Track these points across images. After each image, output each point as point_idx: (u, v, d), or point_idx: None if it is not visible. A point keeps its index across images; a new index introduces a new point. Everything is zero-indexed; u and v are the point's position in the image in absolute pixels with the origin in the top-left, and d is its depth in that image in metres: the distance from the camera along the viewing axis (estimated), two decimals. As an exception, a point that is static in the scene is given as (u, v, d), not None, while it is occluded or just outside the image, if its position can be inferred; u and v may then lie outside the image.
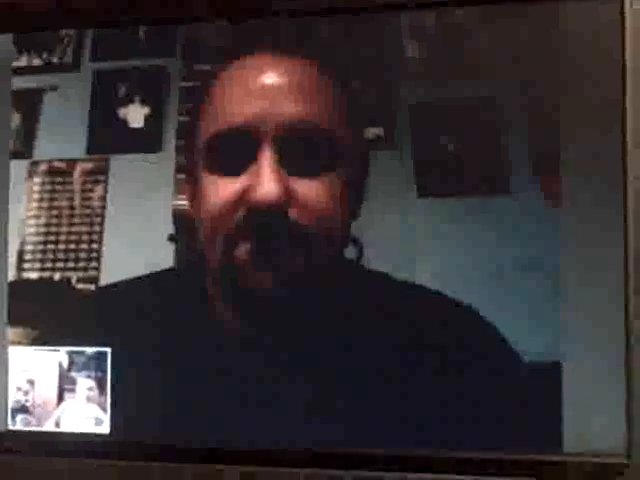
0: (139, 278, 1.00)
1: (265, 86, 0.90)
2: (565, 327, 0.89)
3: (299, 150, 0.89)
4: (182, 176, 0.99)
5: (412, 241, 0.94)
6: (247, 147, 0.89)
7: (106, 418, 1.01)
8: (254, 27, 0.97)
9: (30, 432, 1.02)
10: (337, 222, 0.92)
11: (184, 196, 0.98)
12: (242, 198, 0.90)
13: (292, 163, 0.89)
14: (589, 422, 0.89)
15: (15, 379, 1.03)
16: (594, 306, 0.89)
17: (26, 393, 1.03)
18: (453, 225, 0.93)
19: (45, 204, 1.04)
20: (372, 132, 0.95)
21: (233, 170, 0.90)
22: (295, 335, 0.94)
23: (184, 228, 0.99)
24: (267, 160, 0.88)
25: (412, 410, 0.92)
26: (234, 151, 0.90)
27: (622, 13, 0.88)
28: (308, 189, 0.89)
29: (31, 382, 1.03)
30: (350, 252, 0.94)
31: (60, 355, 1.02)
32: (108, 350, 1.00)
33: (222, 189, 0.91)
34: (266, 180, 0.87)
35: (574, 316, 0.89)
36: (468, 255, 0.92)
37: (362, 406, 0.93)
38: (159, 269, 0.99)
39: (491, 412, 0.90)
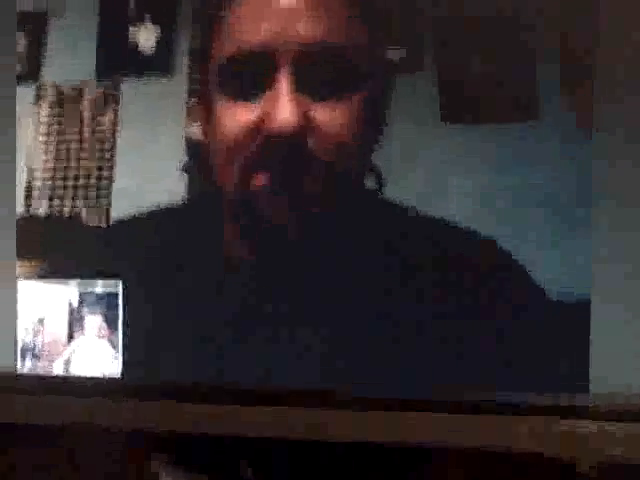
0: (151, 212, 0.95)
1: (281, 6, 0.85)
2: (596, 260, 0.83)
3: (318, 73, 0.84)
4: (195, 101, 0.93)
5: (434, 170, 0.88)
6: (264, 70, 0.84)
7: (118, 357, 0.97)
8: None
9: (40, 376, 0.98)
10: (357, 149, 0.87)
11: (197, 123, 0.93)
12: (259, 125, 0.85)
13: (310, 87, 0.84)
14: (618, 362, 0.83)
15: (24, 316, 0.99)
16: (627, 237, 0.83)
17: (35, 332, 0.99)
18: (478, 153, 0.87)
19: (53, 131, 0.98)
20: (394, 53, 0.89)
21: (249, 95, 0.85)
22: (311, 269, 0.89)
23: (198, 157, 0.93)
24: (285, 85, 0.83)
25: (433, 348, 0.87)
26: (250, 75, 0.85)
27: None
28: (327, 115, 0.84)
29: (40, 320, 0.99)
30: (370, 181, 0.88)
31: (70, 290, 0.97)
32: (120, 286, 0.96)
33: (238, 114, 0.86)
34: (284, 106, 0.83)
35: (605, 249, 0.83)
36: (494, 186, 0.86)
37: (381, 343, 0.88)
38: (171, 200, 0.94)
39: (516, 350, 0.85)
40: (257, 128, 0.85)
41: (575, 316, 0.84)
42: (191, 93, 0.93)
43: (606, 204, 0.83)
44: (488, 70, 0.87)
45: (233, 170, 0.86)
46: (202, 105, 0.92)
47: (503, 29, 0.87)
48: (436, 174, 0.88)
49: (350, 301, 0.89)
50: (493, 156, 0.87)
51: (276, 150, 0.84)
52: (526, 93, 0.86)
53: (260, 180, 0.85)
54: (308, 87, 0.84)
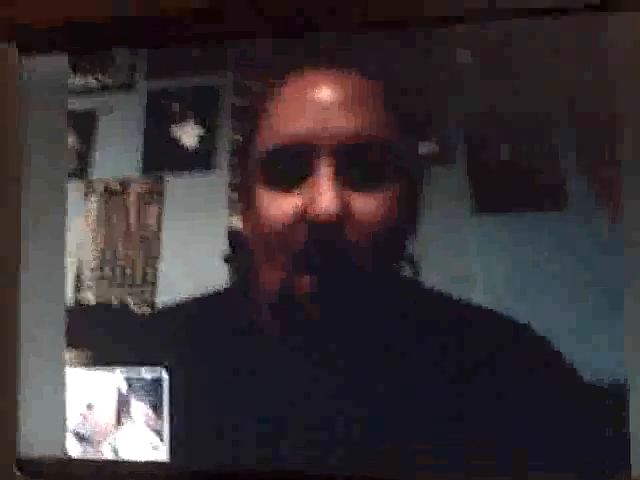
0: (194, 300, 0.98)
1: (319, 101, 0.89)
2: (629, 346, 0.85)
3: (355, 164, 0.88)
4: (235, 194, 0.97)
5: (468, 259, 0.90)
6: (303, 162, 0.88)
7: (164, 444, 0.99)
8: (304, 43, 0.96)
9: (89, 461, 1.01)
10: (392, 239, 0.90)
11: (239, 215, 0.96)
12: (301, 213, 0.88)
13: (348, 177, 0.88)
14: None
15: (73, 403, 1.02)
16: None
17: (84, 418, 1.02)
18: (510, 242, 0.89)
19: (101, 225, 1.03)
20: (426, 147, 0.92)
21: (290, 185, 0.89)
22: (349, 361, 0.92)
23: (240, 249, 0.96)
24: (325, 174, 0.87)
25: (467, 432, 0.88)
26: (290, 166, 0.89)
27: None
28: (364, 204, 0.88)
29: (89, 406, 1.02)
30: (406, 270, 0.91)
31: (117, 378, 1.00)
32: (164, 372, 0.99)
33: (280, 204, 0.89)
34: (325, 194, 0.86)
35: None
36: (526, 272, 0.88)
37: (417, 425, 0.90)
38: (213, 290, 0.97)
39: (552, 434, 0.86)
40: (299, 215, 0.88)
41: (610, 400, 0.85)
42: (232, 186, 0.97)
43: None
44: (517, 162, 0.90)
45: (276, 267, 0.90)
46: (243, 197, 0.95)
47: (532, 124, 0.90)
48: (468, 261, 0.90)
49: (389, 388, 0.91)
50: (524, 244, 0.89)
51: (319, 245, 0.87)
52: (554, 184, 0.88)
53: (305, 285, 0.88)
54: (346, 177, 0.87)
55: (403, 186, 0.90)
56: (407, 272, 0.91)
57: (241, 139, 0.96)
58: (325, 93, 0.90)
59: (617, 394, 0.85)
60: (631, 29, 0.86)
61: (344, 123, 0.88)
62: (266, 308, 0.94)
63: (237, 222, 0.97)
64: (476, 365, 0.89)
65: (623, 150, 0.86)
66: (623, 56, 0.86)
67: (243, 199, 0.96)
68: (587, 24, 0.88)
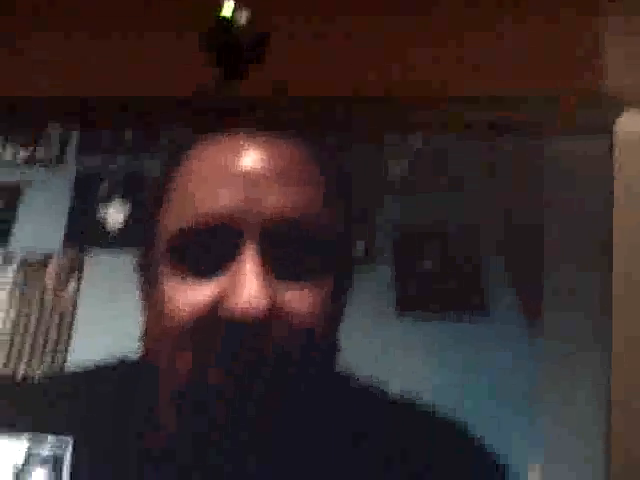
0: (99, 368, 0.91)
1: (244, 172, 0.74)
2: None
3: (286, 250, 0.75)
4: (142, 280, 0.88)
5: (388, 357, 0.90)
6: (225, 245, 0.74)
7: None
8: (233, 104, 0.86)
9: None
10: (324, 336, 0.79)
11: (144, 303, 0.85)
12: (218, 305, 0.73)
13: (278, 265, 0.74)
14: None
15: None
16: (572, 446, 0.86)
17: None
18: (429, 345, 0.90)
19: (16, 296, 1.01)
20: (357, 245, 0.91)
21: (203, 272, 0.74)
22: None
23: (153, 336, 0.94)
24: (250, 263, 0.72)
25: None
26: (206, 250, 0.74)
27: (611, 147, 0.87)
28: (295, 296, 0.74)
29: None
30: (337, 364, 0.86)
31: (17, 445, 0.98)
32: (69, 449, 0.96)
33: (190, 294, 0.74)
34: (249, 284, 0.71)
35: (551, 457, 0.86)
36: (441, 376, 0.89)
37: None
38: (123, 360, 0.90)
39: None
40: (215, 308, 0.73)
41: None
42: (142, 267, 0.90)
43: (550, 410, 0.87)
44: (443, 269, 0.91)
45: (181, 358, 0.76)
46: (147, 282, 0.83)
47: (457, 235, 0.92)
48: (388, 359, 0.90)
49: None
50: (440, 349, 0.90)
51: (235, 340, 0.73)
52: (476, 290, 0.90)
53: (214, 378, 0.75)
54: (275, 264, 0.74)
55: (335, 278, 0.79)
56: (339, 366, 0.83)
57: (147, 214, 0.86)
58: (251, 162, 0.75)
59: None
60: (569, 148, 0.90)
61: (275, 201, 0.73)
62: (170, 397, 0.81)
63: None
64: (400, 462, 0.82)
65: (549, 263, 0.89)
66: (558, 175, 0.90)
67: (148, 282, 0.84)
68: (524, 144, 0.91)
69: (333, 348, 0.81)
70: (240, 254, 0.73)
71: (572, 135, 0.89)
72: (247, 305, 0.70)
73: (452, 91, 0.90)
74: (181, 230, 0.75)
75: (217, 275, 0.74)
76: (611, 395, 0.85)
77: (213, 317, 0.73)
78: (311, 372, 0.78)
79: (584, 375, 0.86)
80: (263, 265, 0.72)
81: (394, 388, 0.88)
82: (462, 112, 0.89)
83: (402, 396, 0.85)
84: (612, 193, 0.86)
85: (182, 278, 0.75)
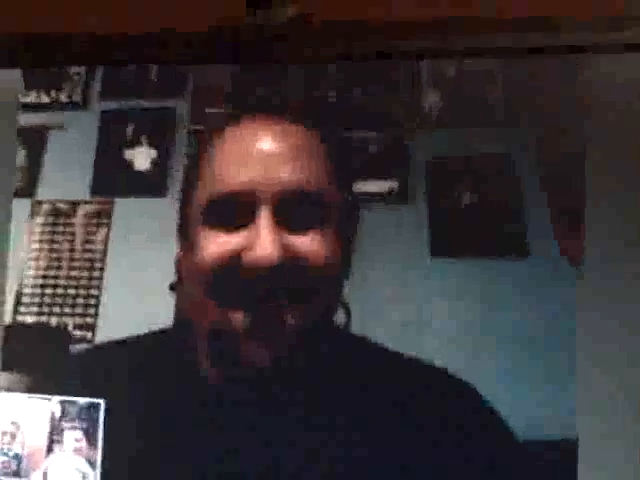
0: (136, 337, 0.96)
1: (262, 152, 0.91)
2: (580, 404, 0.83)
3: (293, 211, 0.88)
4: (178, 232, 0.95)
5: (417, 306, 0.89)
6: (244, 210, 0.89)
7: (95, 473, 0.96)
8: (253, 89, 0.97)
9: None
10: (330, 281, 0.91)
11: (179, 249, 0.95)
12: (240, 256, 0.88)
13: (288, 223, 0.88)
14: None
15: (3, 428, 0.99)
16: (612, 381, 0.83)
17: (12, 441, 0.98)
18: (465, 287, 0.88)
19: (46, 245, 1.00)
20: (381, 185, 0.92)
21: (230, 229, 0.89)
22: (283, 405, 0.91)
23: (186, 282, 0.94)
24: (265, 222, 0.87)
25: None
26: (231, 214, 0.89)
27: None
28: (303, 244, 0.88)
29: (20, 431, 0.98)
30: (340, 317, 0.91)
31: (52, 404, 0.97)
32: (101, 402, 0.96)
33: (219, 245, 0.89)
34: (265, 241, 0.87)
35: (589, 392, 0.83)
36: (476, 320, 0.87)
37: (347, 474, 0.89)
38: (158, 322, 0.95)
39: None
40: (237, 258, 0.88)
41: (560, 462, 0.84)
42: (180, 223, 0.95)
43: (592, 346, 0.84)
44: (478, 207, 0.89)
45: (209, 302, 0.89)
46: (184, 233, 0.95)
47: (493, 167, 0.89)
48: (416, 309, 0.89)
49: (319, 434, 0.90)
50: (479, 294, 0.88)
51: (255, 284, 0.87)
52: (516, 231, 0.88)
53: (239, 321, 0.88)
54: (286, 223, 0.88)
55: (340, 229, 0.91)
56: (340, 320, 0.91)
57: (185, 179, 0.96)
58: (265, 143, 0.91)
59: (566, 457, 0.83)
60: (605, 74, 0.86)
61: (284, 176, 0.89)
62: (204, 346, 0.93)
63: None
64: (409, 421, 0.89)
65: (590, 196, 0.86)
66: (595, 102, 0.86)
67: (184, 235, 0.95)
68: (557, 67, 0.88)
69: (339, 295, 0.92)
70: (258, 216, 0.88)
71: (619, 57, 0.84)
72: (264, 253, 0.86)
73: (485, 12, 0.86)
74: (211, 199, 0.91)
75: (240, 231, 0.89)
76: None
77: (237, 264, 0.88)
78: (314, 322, 0.90)
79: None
80: (276, 222, 0.88)
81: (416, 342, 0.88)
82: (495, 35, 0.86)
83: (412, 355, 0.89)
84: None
85: (213, 235, 0.90)
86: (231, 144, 0.92)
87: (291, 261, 0.87)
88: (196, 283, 0.91)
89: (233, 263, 0.88)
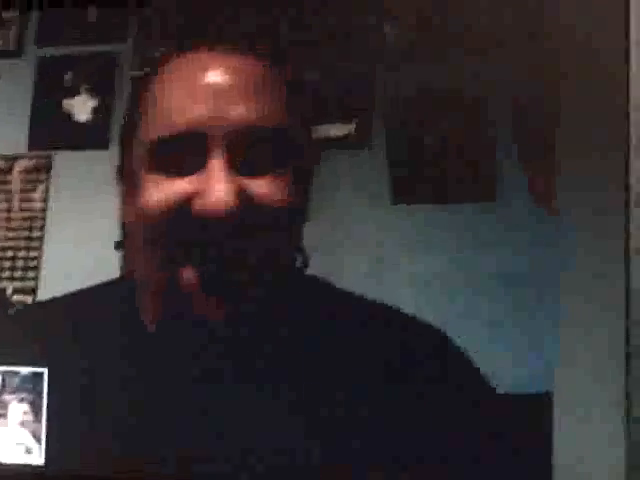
0: (79, 291, 0.90)
1: (211, 86, 0.81)
2: (561, 353, 0.79)
3: (251, 153, 0.80)
4: (119, 178, 0.88)
5: (379, 252, 0.84)
6: (194, 152, 0.80)
7: (40, 447, 0.90)
8: (198, 20, 0.89)
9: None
10: (288, 226, 0.84)
11: (122, 201, 0.87)
12: (190, 203, 0.80)
13: (243, 166, 0.80)
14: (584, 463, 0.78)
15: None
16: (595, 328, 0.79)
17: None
18: (426, 235, 0.83)
19: (-20, 205, 0.94)
20: (340, 128, 0.86)
21: (179, 173, 0.81)
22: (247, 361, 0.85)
23: (132, 235, 0.88)
24: (217, 165, 0.79)
25: (369, 451, 0.82)
26: (179, 158, 0.80)
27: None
28: (259, 187, 0.80)
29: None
30: (298, 261, 0.85)
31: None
32: (45, 371, 0.90)
33: (167, 191, 0.80)
34: (218, 186, 0.78)
35: (570, 340, 0.79)
36: (442, 269, 0.82)
37: (316, 425, 0.84)
38: (103, 280, 0.89)
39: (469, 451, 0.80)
40: (188, 205, 0.80)
41: (536, 413, 0.79)
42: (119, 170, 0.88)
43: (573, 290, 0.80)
44: (442, 149, 0.84)
45: (157, 255, 0.82)
46: (127, 181, 0.87)
47: (458, 108, 0.85)
48: (384, 256, 0.84)
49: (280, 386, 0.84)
50: (445, 239, 0.83)
51: (209, 234, 0.79)
52: (483, 172, 0.83)
53: (190, 275, 0.81)
54: (239, 165, 0.80)
55: (297, 171, 0.83)
56: (298, 263, 0.85)
57: (125, 118, 0.88)
58: (217, 77, 0.82)
59: (543, 408, 0.79)
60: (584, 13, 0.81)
61: (237, 113, 0.80)
62: (151, 301, 0.86)
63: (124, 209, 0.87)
64: (378, 371, 0.83)
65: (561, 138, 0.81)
66: (573, 39, 0.81)
67: (127, 182, 0.87)
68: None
69: (295, 241, 0.86)
70: (209, 158, 0.80)
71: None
72: (216, 199, 0.78)
73: None
74: (158, 139, 0.82)
75: (190, 175, 0.81)
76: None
77: (187, 213, 0.80)
78: (273, 267, 0.83)
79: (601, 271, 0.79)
80: (229, 166, 0.80)
81: (383, 288, 0.84)
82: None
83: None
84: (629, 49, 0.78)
85: (159, 180, 0.82)
86: (177, 80, 0.83)
87: (246, 208, 0.79)
88: (141, 236, 0.83)
89: (182, 212, 0.79)
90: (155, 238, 0.81)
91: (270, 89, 0.83)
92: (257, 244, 0.80)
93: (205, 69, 0.82)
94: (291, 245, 0.85)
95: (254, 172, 0.81)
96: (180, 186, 0.80)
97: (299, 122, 0.85)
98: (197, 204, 0.79)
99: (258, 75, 0.83)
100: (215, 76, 0.82)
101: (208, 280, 0.81)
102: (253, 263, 0.81)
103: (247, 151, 0.80)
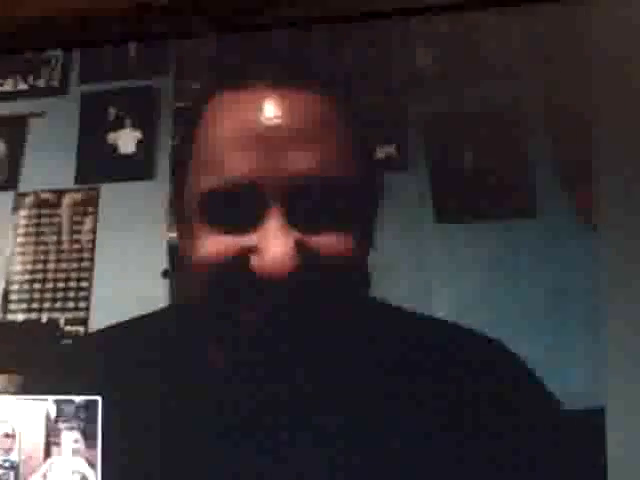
0: (130, 321, 0.88)
1: (267, 130, 0.72)
2: (607, 363, 0.79)
3: (311, 206, 0.72)
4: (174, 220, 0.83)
5: (428, 271, 0.84)
6: (249, 208, 0.72)
7: (96, 474, 0.91)
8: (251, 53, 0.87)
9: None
10: (352, 271, 0.75)
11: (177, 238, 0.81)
12: (248, 260, 0.72)
13: (303, 219, 0.72)
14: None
15: (-2, 431, 0.94)
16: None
17: (8, 450, 0.94)
18: (473, 252, 0.83)
19: (32, 239, 0.96)
20: (383, 151, 0.86)
21: (235, 230, 0.73)
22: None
23: (179, 264, 0.89)
24: (275, 224, 0.71)
25: (431, 465, 0.78)
26: (234, 212, 0.73)
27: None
28: (323, 244, 0.72)
29: (13, 436, 0.94)
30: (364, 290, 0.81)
31: (47, 404, 0.93)
32: (98, 399, 0.91)
33: (222, 247, 0.73)
34: (275, 240, 0.70)
35: (617, 350, 0.78)
36: (491, 286, 0.82)
37: (373, 447, 0.79)
38: (152, 308, 0.89)
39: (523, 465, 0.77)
40: (244, 266, 0.72)
41: (589, 425, 0.79)
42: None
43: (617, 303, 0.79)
44: (482, 167, 0.84)
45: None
46: (181, 228, 0.81)
47: (497, 125, 0.85)
48: (432, 275, 0.85)
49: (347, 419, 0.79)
50: (491, 256, 0.83)
51: (268, 292, 0.71)
52: (523, 190, 0.83)
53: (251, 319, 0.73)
54: (300, 221, 0.72)
55: (362, 219, 0.76)
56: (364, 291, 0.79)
57: (175, 153, 0.87)
58: (274, 118, 0.72)
59: (594, 420, 0.78)
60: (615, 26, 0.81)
61: (298, 162, 0.71)
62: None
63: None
64: (438, 386, 0.79)
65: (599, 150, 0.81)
66: (606, 55, 0.81)
67: (180, 222, 0.80)
68: (567, 17, 0.82)
69: (365, 280, 0.78)
70: (266, 214, 0.72)
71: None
72: (276, 258, 0.70)
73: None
74: (209, 192, 0.73)
75: (246, 233, 0.73)
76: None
77: (245, 270, 0.72)
78: (346, 304, 0.75)
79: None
80: (288, 221, 0.72)
81: (429, 304, 0.83)
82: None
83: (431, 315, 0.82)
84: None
85: (214, 234, 0.73)
86: (226, 121, 0.74)
87: (309, 267, 0.71)
88: (197, 281, 0.75)
89: (240, 269, 0.72)
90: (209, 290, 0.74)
91: (336, 129, 0.74)
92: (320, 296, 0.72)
93: (260, 108, 0.73)
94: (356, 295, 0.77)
95: (315, 228, 0.73)
96: (236, 244, 0.73)
97: (366, 164, 0.77)
98: (255, 259, 0.72)
99: (322, 113, 0.74)
100: (271, 120, 0.72)
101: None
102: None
103: (307, 205, 0.72)
